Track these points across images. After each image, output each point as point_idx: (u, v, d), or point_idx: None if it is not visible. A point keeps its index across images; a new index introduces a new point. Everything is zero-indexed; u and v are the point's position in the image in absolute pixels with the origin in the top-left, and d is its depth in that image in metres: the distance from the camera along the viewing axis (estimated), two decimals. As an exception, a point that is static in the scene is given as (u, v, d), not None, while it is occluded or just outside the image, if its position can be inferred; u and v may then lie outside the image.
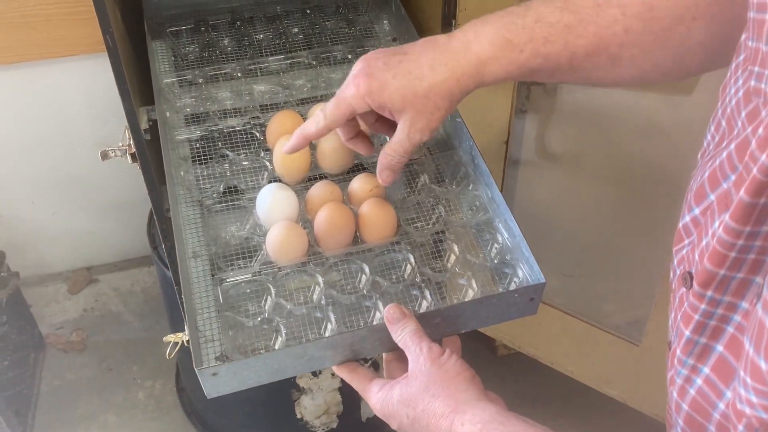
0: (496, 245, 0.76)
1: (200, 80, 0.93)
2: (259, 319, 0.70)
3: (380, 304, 0.71)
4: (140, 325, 1.77)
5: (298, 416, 1.38)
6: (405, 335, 0.62)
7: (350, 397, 1.40)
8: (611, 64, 0.58)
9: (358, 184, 0.77)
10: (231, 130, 0.87)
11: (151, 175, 0.85)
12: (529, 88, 1.09)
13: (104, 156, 0.85)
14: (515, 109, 1.02)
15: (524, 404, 1.59)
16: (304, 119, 0.80)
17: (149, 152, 0.85)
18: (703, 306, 0.47)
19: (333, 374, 1.33)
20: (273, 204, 0.75)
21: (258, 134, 0.87)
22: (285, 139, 0.74)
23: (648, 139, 1.31)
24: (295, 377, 1.30)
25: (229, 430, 1.48)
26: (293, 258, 0.73)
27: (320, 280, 0.72)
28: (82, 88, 1.57)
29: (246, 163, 0.83)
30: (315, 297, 0.72)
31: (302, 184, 0.80)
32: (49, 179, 1.69)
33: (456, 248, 0.76)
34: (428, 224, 0.78)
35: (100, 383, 1.64)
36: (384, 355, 0.68)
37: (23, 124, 1.59)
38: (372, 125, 0.69)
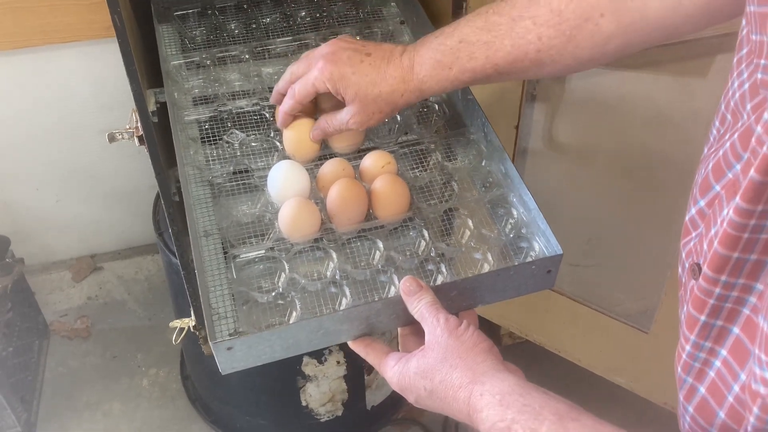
0: (511, 220, 0.75)
1: (208, 62, 0.92)
2: (273, 294, 0.70)
3: (395, 279, 0.70)
4: (144, 313, 1.77)
5: (303, 404, 1.38)
6: (421, 307, 0.62)
7: (355, 385, 1.40)
8: (536, 65, 0.66)
9: (371, 161, 0.77)
10: (240, 111, 0.87)
11: (158, 158, 0.85)
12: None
13: (111, 138, 0.84)
14: (526, 93, 1.01)
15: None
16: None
17: (157, 135, 0.84)
18: (717, 290, 0.47)
19: (338, 362, 1.32)
20: (285, 181, 0.75)
21: (267, 115, 0.86)
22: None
23: (657, 129, 1.30)
24: (300, 365, 1.30)
25: (234, 417, 1.48)
26: (306, 234, 0.72)
27: (334, 255, 0.72)
28: (87, 74, 1.56)
29: (256, 144, 0.83)
30: (329, 273, 0.71)
31: (313, 163, 0.80)
32: (54, 167, 1.69)
33: (470, 223, 0.75)
34: (442, 200, 0.78)
35: (104, 371, 1.64)
36: (399, 329, 0.68)
37: (28, 111, 1.58)
38: (323, 106, 0.77)
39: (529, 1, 0.65)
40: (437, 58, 0.68)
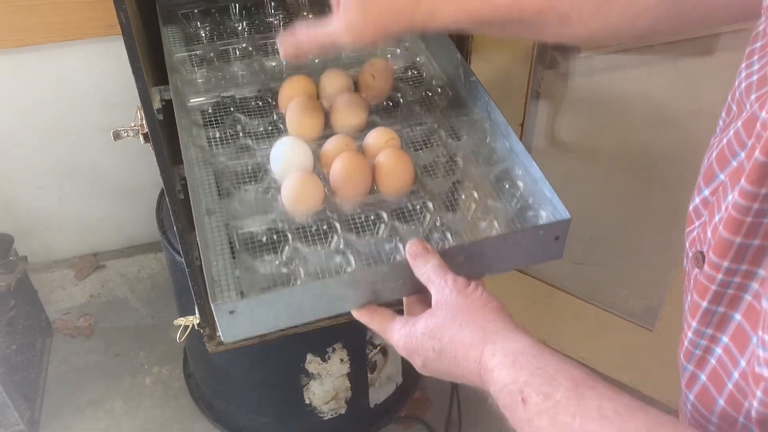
0: (516, 192, 0.74)
1: (211, 54, 0.93)
2: (276, 263, 0.68)
3: (401, 247, 0.68)
4: (147, 311, 1.77)
5: (307, 402, 1.38)
6: (428, 269, 0.59)
7: (359, 383, 1.40)
8: (560, 22, 0.60)
9: (373, 137, 0.76)
10: (243, 97, 0.88)
11: (163, 156, 0.85)
12: (543, 72, 1.08)
13: (116, 136, 0.84)
14: (531, 91, 1.01)
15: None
16: (316, 84, 0.81)
17: (161, 132, 0.84)
18: (719, 276, 0.46)
19: (342, 360, 1.33)
20: (287, 156, 0.74)
21: (270, 100, 0.87)
22: (297, 102, 0.75)
23: (660, 127, 1.30)
24: (303, 363, 1.30)
25: (236, 415, 1.48)
26: (310, 207, 0.71)
27: (338, 226, 0.70)
28: (90, 72, 1.56)
29: (259, 127, 0.83)
30: (333, 244, 0.70)
31: (316, 143, 0.79)
32: (57, 165, 1.69)
33: (476, 195, 0.74)
34: (446, 175, 0.77)
35: (107, 369, 1.64)
36: (405, 298, 0.66)
37: (30, 109, 1.58)
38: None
39: None
40: None
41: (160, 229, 1.29)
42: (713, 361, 0.49)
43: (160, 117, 0.83)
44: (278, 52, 0.69)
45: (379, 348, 1.38)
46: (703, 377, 0.50)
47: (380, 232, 0.71)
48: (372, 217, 0.72)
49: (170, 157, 0.88)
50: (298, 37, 0.64)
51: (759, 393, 0.42)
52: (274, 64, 0.92)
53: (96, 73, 1.56)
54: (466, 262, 0.64)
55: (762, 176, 0.41)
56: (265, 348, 1.22)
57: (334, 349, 1.30)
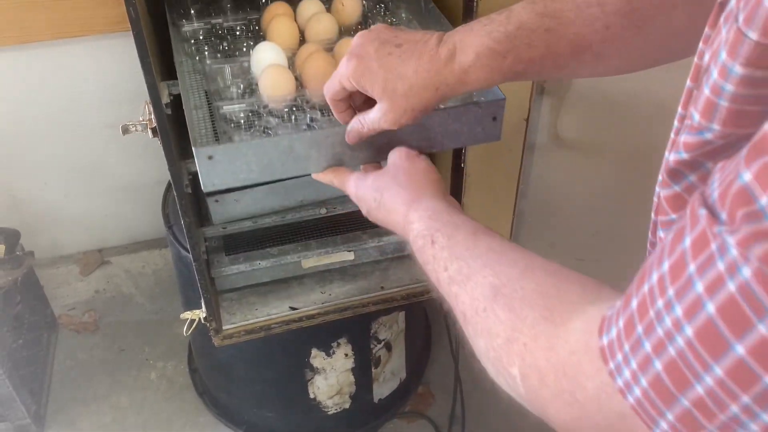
0: None
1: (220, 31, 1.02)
2: (251, 131, 0.80)
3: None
4: (152, 306, 1.78)
5: (311, 396, 1.39)
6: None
7: (363, 378, 1.40)
8: (596, 59, 0.60)
9: (341, 45, 0.88)
10: (230, 26, 1.01)
11: (171, 150, 0.86)
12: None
13: (125, 130, 0.85)
14: (536, 87, 1.02)
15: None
16: (294, 11, 0.97)
17: (170, 127, 0.85)
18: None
19: (346, 354, 1.33)
20: (265, 56, 0.86)
21: (255, 25, 1.00)
22: (276, 19, 0.89)
23: (663, 123, 1.30)
24: (308, 357, 1.31)
25: (241, 410, 1.49)
26: (284, 94, 0.83)
27: (306, 107, 0.83)
28: (96, 69, 1.57)
29: (245, 44, 0.96)
30: (300, 120, 0.82)
31: (292, 50, 0.91)
32: (62, 161, 1.70)
33: None
34: None
35: (112, 364, 1.65)
36: (362, 166, 0.76)
37: (36, 105, 1.59)
38: (359, 107, 0.72)
39: None
40: (488, 45, 0.60)
41: (166, 224, 1.29)
42: None
43: (169, 111, 0.84)
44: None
45: (383, 343, 1.38)
46: None
47: None
48: None
49: (178, 151, 0.88)
50: (356, 128, 0.71)
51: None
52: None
53: (102, 70, 1.57)
54: (414, 135, 0.75)
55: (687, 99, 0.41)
56: (269, 343, 1.23)
57: (338, 344, 1.31)
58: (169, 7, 0.99)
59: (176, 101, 0.87)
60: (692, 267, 0.30)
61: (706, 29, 0.39)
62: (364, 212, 0.70)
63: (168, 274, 1.86)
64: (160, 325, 1.73)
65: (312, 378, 1.35)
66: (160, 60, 0.92)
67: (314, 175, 0.76)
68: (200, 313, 1.08)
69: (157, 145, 0.86)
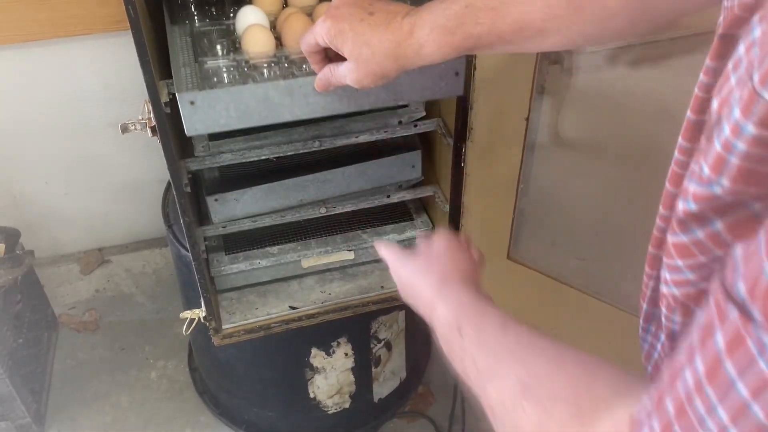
0: None
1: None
2: (231, 78, 0.85)
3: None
4: (152, 306, 1.78)
5: (311, 396, 1.39)
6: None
7: (363, 378, 1.40)
8: (539, 36, 0.64)
9: (319, 8, 0.93)
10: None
11: (170, 149, 0.85)
12: (548, 67, 1.08)
13: (124, 129, 0.84)
14: (536, 86, 1.02)
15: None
16: None
17: (169, 126, 0.85)
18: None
19: (346, 354, 1.33)
20: (247, 17, 0.91)
21: None
22: (254, 27, 0.89)
23: (665, 122, 1.30)
24: (308, 356, 1.31)
25: (241, 409, 1.49)
26: (264, 50, 0.87)
27: (284, 61, 0.87)
28: (96, 68, 1.57)
29: (231, 10, 0.99)
30: (278, 71, 0.87)
31: (274, 15, 0.96)
32: (62, 160, 1.70)
33: None
34: None
35: (112, 363, 1.65)
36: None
37: (36, 104, 1.59)
38: (332, 58, 0.77)
39: None
40: (440, 23, 0.66)
41: (166, 223, 1.29)
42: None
43: (168, 110, 0.84)
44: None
45: (383, 343, 1.38)
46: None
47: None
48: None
49: (177, 150, 0.88)
50: (326, 75, 0.76)
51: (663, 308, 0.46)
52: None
53: (102, 69, 1.57)
54: (382, 89, 0.81)
55: (693, 133, 0.42)
56: (269, 342, 1.23)
57: (338, 344, 1.31)
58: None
59: (175, 101, 0.87)
60: (731, 369, 0.30)
61: (708, 61, 0.40)
62: (400, 292, 0.73)
63: (168, 273, 1.86)
64: (161, 325, 1.73)
65: (312, 377, 1.35)
66: (159, 59, 0.92)
67: (377, 246, 0.78)
68: (200, 313, 1.08)
69: (157, 144, 0.86)
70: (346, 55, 0.70)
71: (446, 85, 0.86)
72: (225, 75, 0.86)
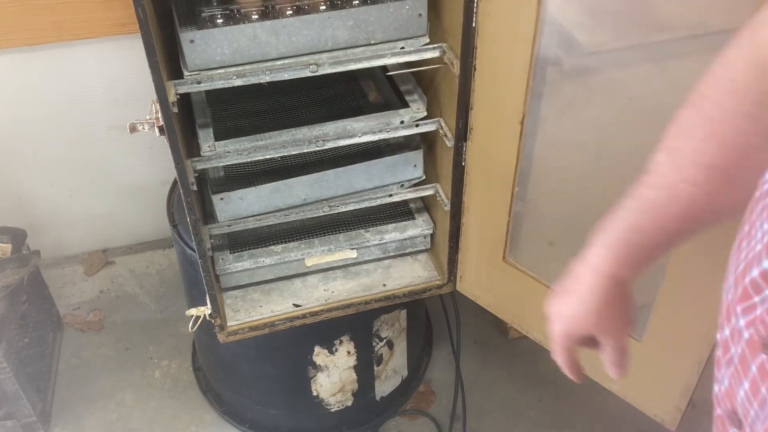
0: None
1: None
2: (225, 22, 0.93)
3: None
4: (156, 306, 1.80)
5: (314, 394, 1.40)
6: None
7: (365, 376, 1.42)
8: (723, 218, 0.62)
9: None
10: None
11: (177, 148, 0.87)
12: (547, 69, 1.10)
13: (132, 129, 0.86)
14: (532, 90, 1.04)
15: (532, 384, 1.61)
16: None
17: (176, 125, 0.87)
18: None
19: (349, 352, 1.35)
20: None
21: None
22: None
23: (665, 125, 1.31)
24: (311, 355, 1.32)
25: (245, 407, 1.50)
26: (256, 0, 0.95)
27: (277, 9, 0.94)
28: (101, 70, 1.59)
29: None
30: (276, 13, 0.95)
31: None
32: (68, 162, 1.72)
33: None
34: None
35: (117, 362, 1.67)
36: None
37: (42, 107, 1.61)
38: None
39: (671, 165, 0.60)
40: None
41: (171, 223, 1.31)
42: None
43: (176, 110, 0.85)
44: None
45: (385, 341, 1.40)
46: None
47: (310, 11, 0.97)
48: (306, 5, 0.98)
49: (184, 149, 0.90)
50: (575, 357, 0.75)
51: None
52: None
53: (107, 71, 1.59)
54: (354, 27, 0.94)
55: None
56: (272, 340, 1.25)
57: (341, 342, 1.32)
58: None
59: (182, 100, 0.89)
60: None
61: None
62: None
63: (172, 274, 1.87)
64: (165, 324, 1.74)
65: (315, 375, 1.37)
66: (166, 60, 0.94)
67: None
68: (205, 310, 1.09)
69: (162, 146, 0.88)
70: None
71: (414, 25, 0.98)
72: (220, 21, 0.95)
